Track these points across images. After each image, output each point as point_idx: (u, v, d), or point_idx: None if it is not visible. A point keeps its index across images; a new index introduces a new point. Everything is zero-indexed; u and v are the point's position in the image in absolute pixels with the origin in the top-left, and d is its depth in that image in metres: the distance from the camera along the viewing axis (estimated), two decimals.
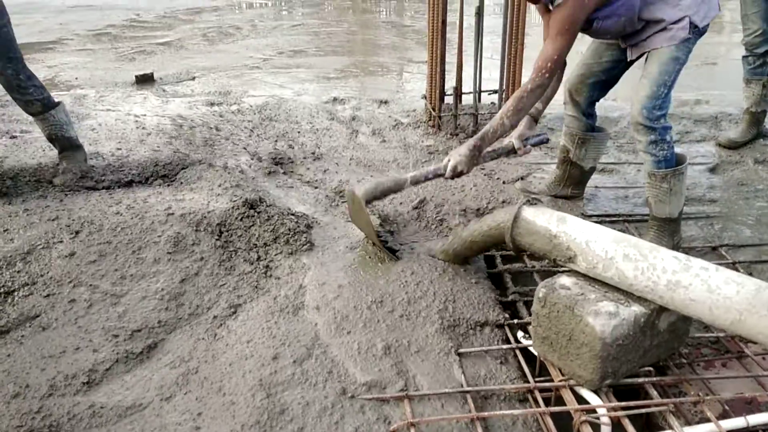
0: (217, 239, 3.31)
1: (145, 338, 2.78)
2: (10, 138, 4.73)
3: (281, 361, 2.60)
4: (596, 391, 2.42)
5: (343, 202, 3.90)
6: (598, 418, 2.31)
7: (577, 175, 3.94)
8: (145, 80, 6.87)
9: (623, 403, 2.37)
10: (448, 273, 3.09)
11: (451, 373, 2.60)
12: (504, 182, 4.27)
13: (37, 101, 3.90)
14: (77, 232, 3.28)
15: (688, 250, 3.46)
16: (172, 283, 3.05)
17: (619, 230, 2.59)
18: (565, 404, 2.41)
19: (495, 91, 5.21)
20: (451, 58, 5.03)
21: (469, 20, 4.87)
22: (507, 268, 3.36)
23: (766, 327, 2.06)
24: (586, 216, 3.75)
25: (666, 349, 2.55)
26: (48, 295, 2.92)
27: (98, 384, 2.57)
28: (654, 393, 2.45)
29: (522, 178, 4.31)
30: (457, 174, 3.14)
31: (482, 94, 5.21)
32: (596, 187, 4.26)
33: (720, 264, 2.32)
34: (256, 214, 3.45)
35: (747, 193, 4.24)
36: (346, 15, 11.97)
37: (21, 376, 2.53)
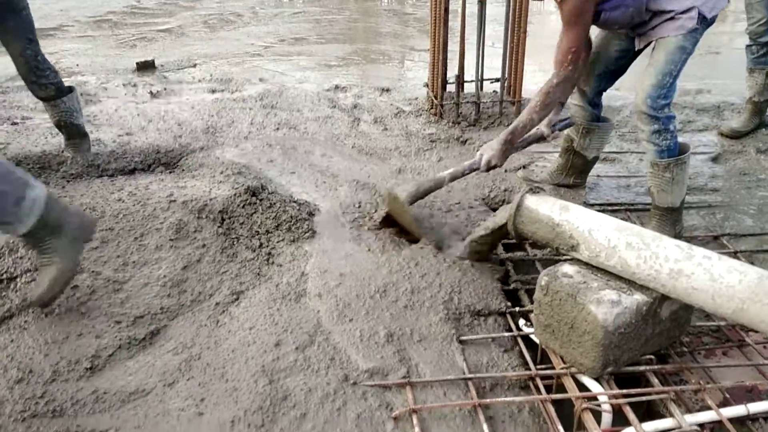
0: (219, 226, 3.32)
1: (147, 324, 2.79)
2: (12, 124, 4.73)
3: (283, 348, 2.61)
4: (597, 379, 2.42)
5: (344, 191, 3.90)
6: (599, 406, 2.32)
7: (580, 164, 3.94)
8: (146, 67, 6.85)
9: (624, 391, 2.37)
10: (450, 262, 3.09)
11: (453, 360, 2.61)
12: (506, 171, 4.26)
13: (52, 85, 3.89)
14: None
15: (690, 240, 3.46)
16: (175, 269, 3.05)
17: (620, 219, 2.59)
18: (566, 391, 2.42)
19: (497, 80, 5.20)
20: (453, 47, 5.01)
21: (472, 8, 4.85)
22: (509, 257, 3.37)
23: None
24: (588, 205, 3.75)
25: (667, 338, 2.56)
26: None
27: (101, 370, 2.57)
28: (655, 381, 2.46)
29: (524, 167, 4.31)
30: (491, 167, 3.27)
31: (484, 82, 5.20)
32: (598, 176, 4.26)
33: (721, 253, 2.32)
34: (258, 201, 3.45)
35: (749, 182, 4.24)
36: (347, 2, 11.92)
37: (24, 362, 2.54)
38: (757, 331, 2.67)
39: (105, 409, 2.39)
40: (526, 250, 3.46)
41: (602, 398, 2.34)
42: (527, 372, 2.57)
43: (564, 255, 2.71)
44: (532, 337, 2.73)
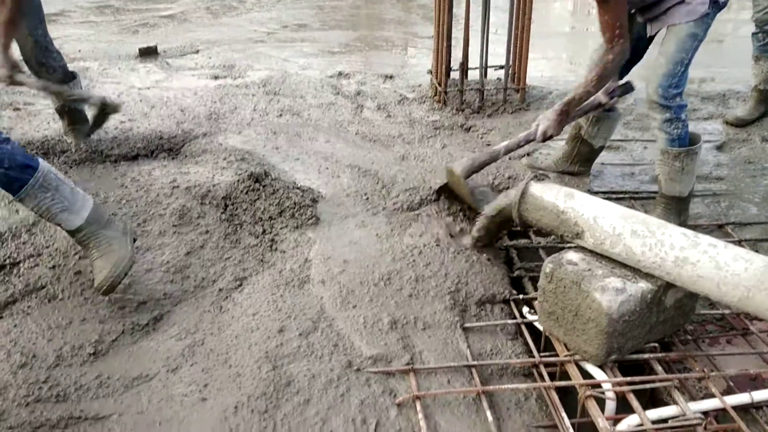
0: (222, 212, 3.31)
1: (151, 310, 2.79)
2: (14, 110, 4.72)
3: (287, 334, 2.61)
4: (601, 367, 2.42)
5: (348, 176, 3.89)
6: (603, 393, 2.32)
7: (587, 152, 3.92)
8: (148, 53, 6.81)
9: (628, 379, 2.37)
10: (454, 250, 3.08)
11: (457, 347, 2.61)
12: (510, 158, 4.24)
13: (60, 67, 3.86)
14: None
15: (694, 228, 3.43)
16: (178, 255, 3.05)
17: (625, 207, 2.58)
18: (570, 379, 2.42)
19: (501, 67, 5.17)
20: (457, 33, 4.98)
21: None
22: (513, 244, 3.36)
23: None
24: (592, 193, 3.74)
25: (672, 326, 2.55)
26: (54, 267, 2.92)
27: (105, 355, 2.57)
28: (659, 369, 2.46)
29: (528, 154, 4.30)
30: (547, 137, 3.25)
31: (488, 69, 5.17)
32: (603, 163, 4.24)
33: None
34: (261, 187, 3.44)
35: (754, 171, 4.22)
36: None
37: (27, 347, 2.54)
38: (761, 320, 2.67)
39: (108, 394, 2.39)
40: (530, 237, 3.45)
41: (606, 386, 2.34)
42: (531, 359, 2.57)
43: (569, 242, 2.71)
44: (536, 324, 2.73)
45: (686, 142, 3.32)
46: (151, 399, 2.38)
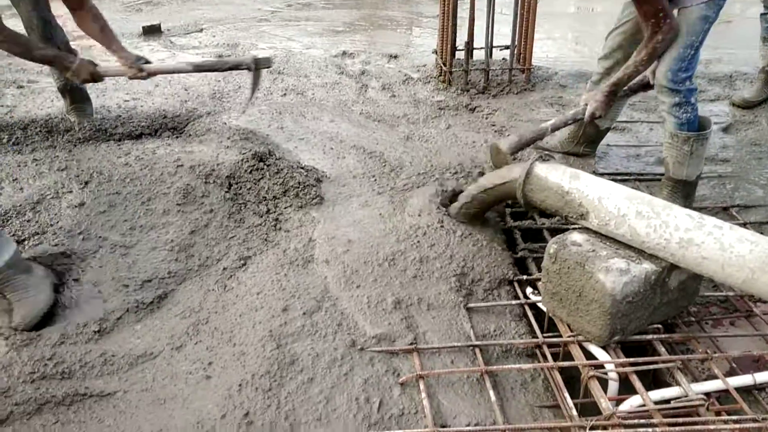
0: (226, 191, 3.31)
1: (155, 288, 2.80)
2: (18, 88, 4.71)
3: (291, 313, 2.61)
4: (604, 347, 2.43)
5: (351, 157, 3.88)
6: (605, 374, 2.33)
7: (593, 133, 3.90)
8: (152, 31, 6.79)
9: (631, 359, 2.38)
10: (458, 231, 3.08)
11: (461, 328, 2.62)
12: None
13: (63, 44, 3.85)
14: (87, 183, 3.27)
15: (699, 210, 3.43)
16: (182, 234, 3.05)
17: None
18: (573, 360, 2.43)
19: (506, 47, 5.14)
20: (462, 13, 4.94)
21: None
22: (517, 225, 3.36)
23: None
24: (597, 174, 3.72)
25: (675, 307, 2.55)
26: (57, 245, 2.93)
27: (109, 333, 2.59)
28: (662, 350, 2.46)
29: None
30: (595, 117, 3.30)
31: (494, 49, 5.14)
32: (608, 145, 4.23)
33: None
34: (265, 167, 3.43)
35: (760, 153, 4.20)
36: None
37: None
38: (765, 301, 2.67)
39: (113, 371, 2.41)
40: (534, 218, 3.44)
41: (609, 366, 2.35)
42: (534, 340, 2.58)
43: (573, 223, 2.70)
44: (540, 305, 2.73)
45: (695, 126, 3.29)
46: (156, 377, 2.39)
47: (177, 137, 4.04)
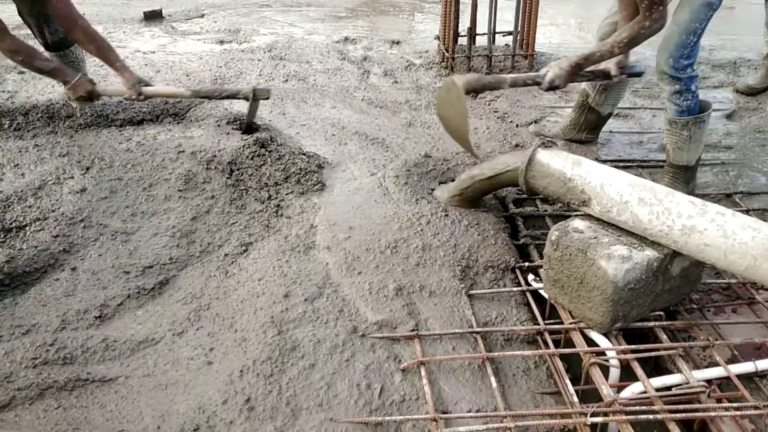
0: (227, 178, 3.30)
1: (156, 274, 2.80)
2: (19, 73, 4.68)
3: (292, 299, 2.61)
4: (606, 334, 2.43)
5: (353, 144, 3.87)
6: (607, 361, 2.33)
7: (594, 120, 3.89)
8: (153, 17, 6.76)
9: (633, 346, 2.38)
10: (460, 218, 3.07)
11: (462, 314, 2.62)
12: (517, 125, 4.22)
13: (61, 28, 3.84)
14: (88, 169, 3.27)
15: (702, 197, 3.41)
16: (183, 220, 3.05)
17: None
18: (574, 346, 2.43)
19: (509, 33, 5.11)
20: None
21: None
22: (519, 212, 3.35)
23: None
24: (600, 161, 3.71)
25: (677, 295, 2.55)
26: (57, 236, 2.92)
27: (111, 318, 2.59)
28: (664, 337, 2.46)
29: (536, 122, 4.27)
30: (552, 87, 3.14)
31: (497, 35, 5.11)
32: (611, 131, 4.21)
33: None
34: (267, 153, 3.42)
35: (764, 140, 4.18)
36: None
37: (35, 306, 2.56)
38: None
39: (115, 357, 2.41)
40: (536, 205, 3.43)
41: (610, 353, 2.35)
42: (536, 327, 2.58)
43: (575, 210, 2.69)
44: (541, 292, 2.73)
45: (696, 112, 3.27)
46: (158, 362, 2.40)
47: (178, 123, 4.02)
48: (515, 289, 2.79)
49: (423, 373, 2.32)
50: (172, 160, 3.35)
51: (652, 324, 2.49)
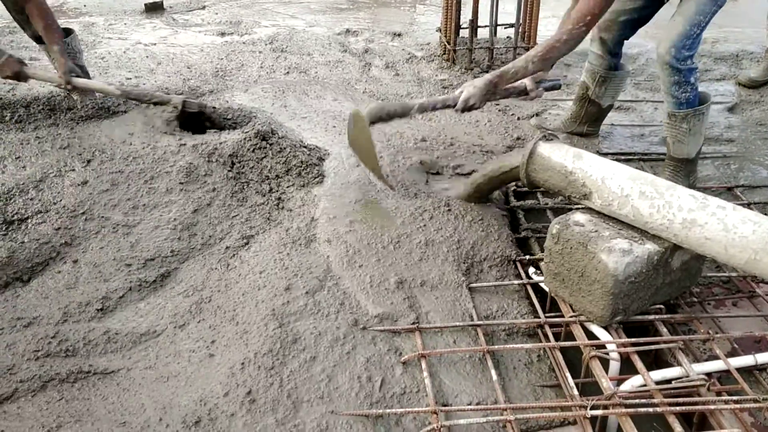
0: (229, 170, 3.30)
1: (158, 267, 2.80)
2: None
3: (294, 292, 2.62)
4: (606, 328, 2.43)
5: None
6: (607, 354, 2.33)
7: (595, 112, 3.88)
8: (154, 8, 6.75)
9: (633, 340, 2.38)
10: (461, 211, 3.07)
11: (463, 307, 2.62)
12: (519, 118, 4.22)
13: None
14: (89, 161, 3.27)
15: (703, 190, 3.42)
16: (185, 213, 3.05)
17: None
18: (575, 339, 2.43)
19: (511, 25, 5.10)
20: None
21: None
22: (519, 205, 3.35)
23: None
24: (601, 154, 3.71)
25: (678, 288, 2.55)
26: (59, 228, 2.93)
27: (112, 311, 2.60)
28: (664, 330, 2.46)
29: (537, 115, 4.26)
30: (467, 108, 3.02)
31: (498, 27, 5.10)
32: (612, 124, 4.20)
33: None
34: (268, 145, 3.42)
35: (765, 133, 4.18)
36: None
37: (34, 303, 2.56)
38: None
39: (117, 349, 2.42)
40: (537, 198, 3.43)
41: (610, 346, 2.35)
42: (536, 320, 2.58)
43: (576, 203, 2.69)
44: (542, 285, 2.73)
45: (695, 105, 3.26)
46: (159, 354, 2.41)
47: None
48: (516, 282, 2.79)
49: (423, 365, 2.33)
50: (174, 152, 3.35)
51: (652, 317, 2.50)
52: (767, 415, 2.23)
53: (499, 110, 4.33)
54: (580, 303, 2.46)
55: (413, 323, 2.50)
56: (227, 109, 3.91)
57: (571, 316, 2.51)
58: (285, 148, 3.42)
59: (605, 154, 3.73)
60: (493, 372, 2.32)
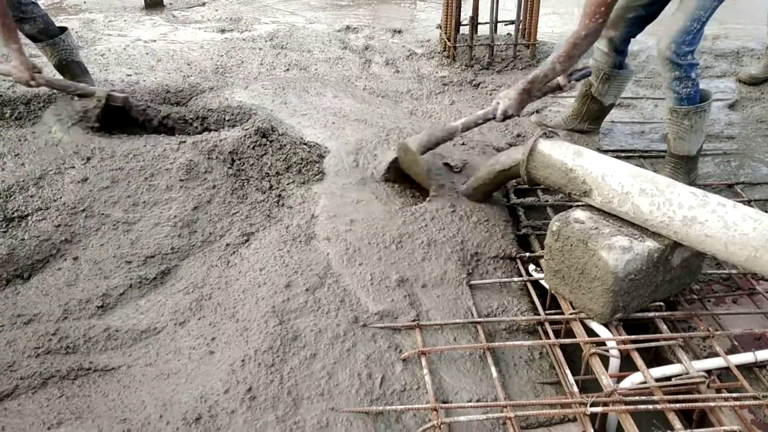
0: (229, 167, 3.30)
1: (158, 264, 2.80)
2: None
3: (294, 289, 2.62)
4: (606, 325, 2.43)
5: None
6: (607, 351, 2.33)
7: (597, 110, 3.88)
8: (154, 5, 6.74)
9: (633, 337, 2.38)
10: (466, 211, 3.07)
11: (463, 305, 2.62)
12: (519, 115, 4.20)
13: (39, 17, 3.81)
14: (89, 158, 3.27)
15: (704, 188, 3.40)
16: (185, 210, 3.05)
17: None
18: (575, 337, 2.43)
19: (511, 22, 5.09)
20: None
21: None
22: (520, 202, 3.35)
23: None
24: (601, 151, 3.71)
25: (678, 285, 2.55)
26: (59, 225, 2.93)
27: (113, 308, 2.60)
28: (664, 327, 2.46)
29: (537, 111, 4.26)
30: (507, 117, 3.09)
31: (499, 24, 5.10)
32: (612, 121, 4.20)
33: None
34: (268, 142, 3.42)
35: (766, 130, 4.17)
36: None
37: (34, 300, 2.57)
38: None
39: (117, 346, 2.42)
40: (537, 195, 3.43)
41: (610, 344, 2.36)
42: (536, 317, 2.58)
43: (576, 201, 2.69)
44: (542, 282, 2.74)
45: (696, 101, 3.26)
46: (159, 352, 2.41)
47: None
48: (516, 279, 2.80)
49: (424, 362, 2.33)
50: (174, 149, 3.34)
51: (652, 314, 2.50)
52: (767, 412, 2.23)
53: None
54: (581, 300, 2.46)
55: (413, 320, 2.51)
56: (226, 107, 3.91)
57: (571, 314, 2.51)
58: (285, 145, 3.42)
59: (606, 152, 3.72)
60: (493, 369, 2.33)
